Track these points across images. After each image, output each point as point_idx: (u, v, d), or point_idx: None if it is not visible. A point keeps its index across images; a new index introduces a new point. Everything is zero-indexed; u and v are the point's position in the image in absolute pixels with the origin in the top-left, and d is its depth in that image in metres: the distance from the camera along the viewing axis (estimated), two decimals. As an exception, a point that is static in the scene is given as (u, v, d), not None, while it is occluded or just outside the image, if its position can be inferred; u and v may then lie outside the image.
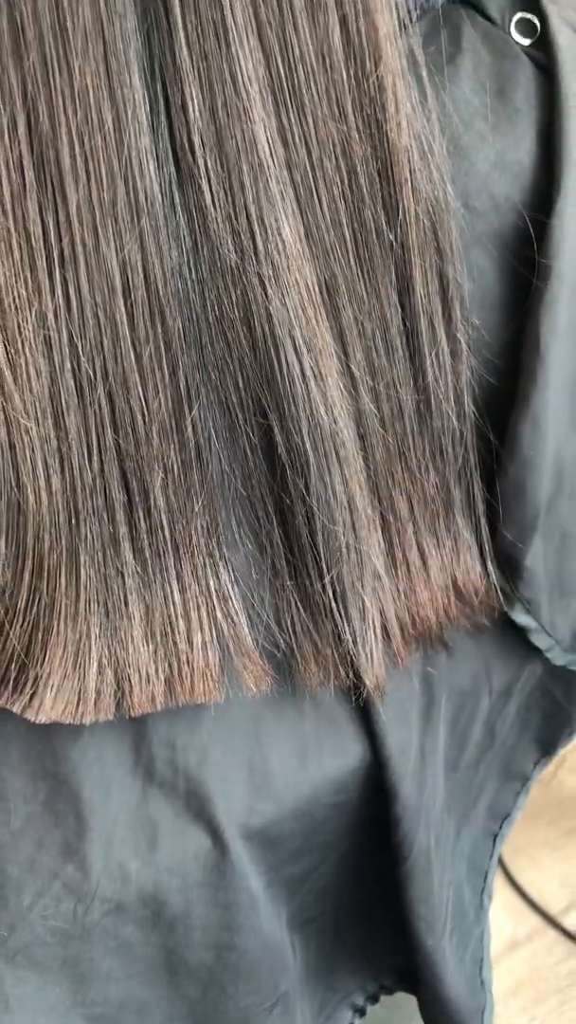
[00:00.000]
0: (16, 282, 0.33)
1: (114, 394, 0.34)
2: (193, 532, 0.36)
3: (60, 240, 0.32)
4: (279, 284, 0.33)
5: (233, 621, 0.38)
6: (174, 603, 0.37)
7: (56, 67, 0.31)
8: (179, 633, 0.37)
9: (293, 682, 0.40)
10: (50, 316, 0.33)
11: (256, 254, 0.33)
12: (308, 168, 0.33)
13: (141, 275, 0.33)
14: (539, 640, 0.45)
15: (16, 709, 0.36)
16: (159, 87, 0.32)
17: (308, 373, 0.35)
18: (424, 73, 0.34)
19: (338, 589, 0.38)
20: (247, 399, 0.35)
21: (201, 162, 0.32)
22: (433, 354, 0.37)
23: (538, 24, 0.38)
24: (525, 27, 0.38)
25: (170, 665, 0.37)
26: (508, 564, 0.42)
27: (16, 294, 0.33)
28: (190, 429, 0.35)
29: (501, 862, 1.41)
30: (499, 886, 1.42)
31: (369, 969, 0.56)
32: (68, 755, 0.39)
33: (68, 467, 0.35)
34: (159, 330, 0.34)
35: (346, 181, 0.34)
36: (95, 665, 0.37)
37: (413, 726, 0.44)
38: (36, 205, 0.32)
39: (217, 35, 0.31)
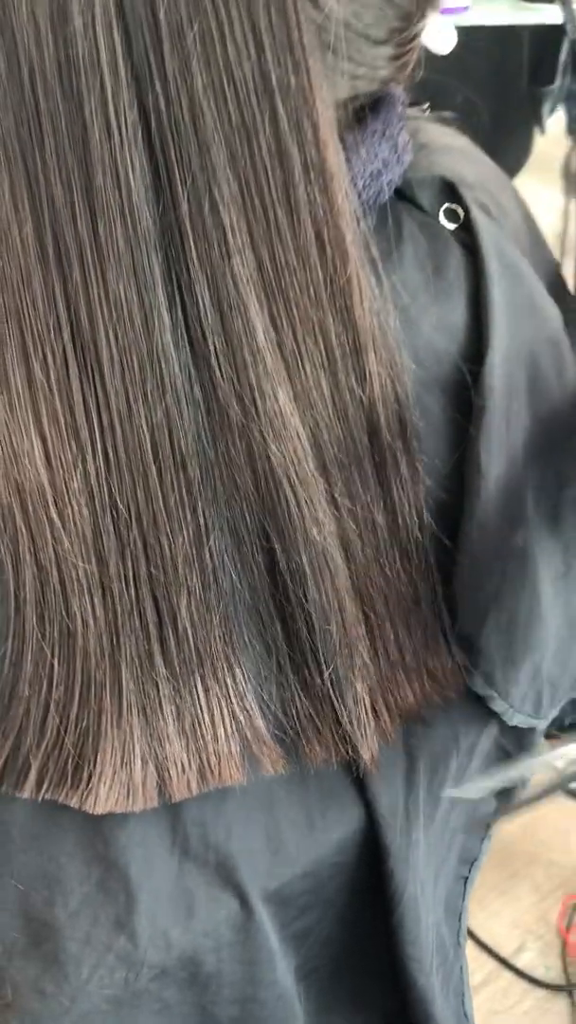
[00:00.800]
0: (63, 448, 0.40)
1: (146, 533, 0.41)
2: (213, 641, 0.44)
3: (99, 413, 0.40)
4: (276, 436, 0.41)
5: (249, 714, 0.45)
6: (200, 703, 0.44)
7: (95, 280, 0.38)
8: (206, 728, 0.44)
9: (300, 761, 0.47)
10: (92, 474, 0.41)
11: (257, 414, 0.41)
12: (294, 346, 0.41)
13: (167, 437, 0.40)
14: (497, 706, 0.53)
15: (74, 803, 0.43)
16: (176, 291, 0.39)
17: (302, 504, 0.43)
18: (378, 261, 0.43)
19: (334, 679, 0.46)
20: (253, 527, 0.43)
21: (211, 347, 0.40)
22: (397, 480, 0.46)
23: (461, 212, 0.47)
24: (451, 215, 0.48)
25: (200, 756, 0.44)
26: (468, 644, 0.50)
27: (63, 458, 0.40)
28: (208, 556, 0.43)
29: (454, 911, 1.46)
30: (454, 934, 1.47)
31: (362, 1013, 0.63)
32: (117, 840, 0.45)
33: (110, 596, 0.42)
34: (182, 479, 0.41)
35: (324, 354, 0.42)
36: (139, 761, 0.43)
37: (399, 789, 0.51)
38: (79, 385, 0.40)
39: (220, 250, 0.39)
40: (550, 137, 1.60)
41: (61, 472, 0.40)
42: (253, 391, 0.40)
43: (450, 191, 0.48)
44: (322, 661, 0.45)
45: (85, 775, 0.43)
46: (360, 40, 0.40)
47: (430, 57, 0.45)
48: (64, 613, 0.42)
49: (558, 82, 1.43)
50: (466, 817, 0.60)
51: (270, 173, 0.38)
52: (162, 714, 0.43)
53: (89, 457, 0.40)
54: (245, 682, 0.45)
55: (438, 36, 0.44)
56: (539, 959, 1.51)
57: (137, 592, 0.42)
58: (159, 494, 0.41)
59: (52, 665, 0.42)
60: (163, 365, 0.40)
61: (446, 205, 0.48)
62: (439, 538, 0.48)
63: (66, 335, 0.39)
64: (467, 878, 0.63)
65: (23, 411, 0.40)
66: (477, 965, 1.49)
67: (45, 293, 0.39)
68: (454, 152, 0.52)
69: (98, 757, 0.43)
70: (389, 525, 0.46)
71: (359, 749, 0.46)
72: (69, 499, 0.41)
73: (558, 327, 0.51)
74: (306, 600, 0.44)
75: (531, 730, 0.55)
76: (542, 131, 1.58)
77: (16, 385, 0.40)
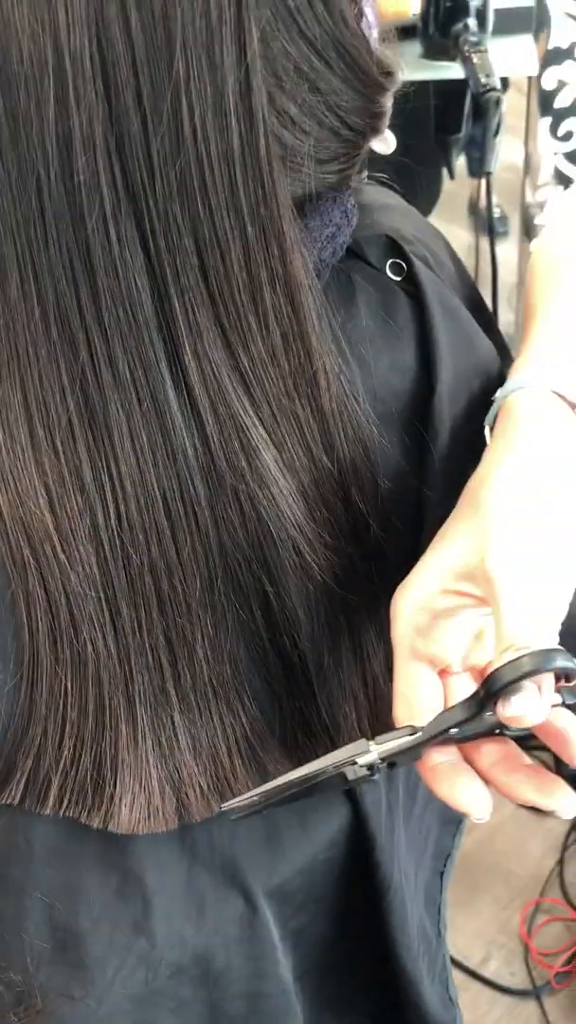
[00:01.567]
0: (68, 499, 0.43)
1: (160, 580, 0.45)
2: (224, 675, 0.48)
3: (109, 474, 0.43)
4: (264, 495, 0.46)
5: (261, 738, 0.49)
6: (216, 733, 0.48)
7: (102, 361, 0.42)
8: (222, 755, 0.48)
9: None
10: (101, 525, 0.44)
11: (246, 478, 0.45)
12: (275, 424, 0.46)
13: (179, 498, 0.45)
14: None
15: (96, 823, 0.46)
16: (178, 371, 0.44)
17: (290, 551, 0.47)
18: (336, 317, 0.48)
19: (326, 703, 0.50)
20: (250, 574, 0.47)
21: (206, 420, 0.44)
22: (369, 534, 0.50)
23: (405, 266, 0.53)
24: (396, 268, 0.54)
25: (218, 779, 0.48)
26: None
27: (69, 507, 0.44)
28: (218, 598, 0.46)
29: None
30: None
31: (349, 1015, 0.67)
32: (132, 848, 0.49)
33: (122, 636, 0.45)
34: (195, 532, 0.45)
35: (296, 431, 0.47)
36: (157, 786, 0.47)
37: (381, 787, 0.56)
38: (86, 449, 0.43)
39: (206, 343, 0.43)
40: (455, 178, 1.71)
41: (66, 520, 0.44)
42: (243, 460, 0.45)
43: (394, 247, 0.54)
44: (316, 691, 0.50)
45: (106, 794, 0.46)
46: (313, 163, 0.46)
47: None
48: (75, 640, 0.45)
49: (464, 131, 1.52)
50: (439, 813, 0.66)
51: (239, 285, 0.43)
52: (178, 744, 0.47)
53: (98, 509, 0.44)
54: (255, 710, 0.49)
55: (379, 140, 0.50)
56: (504, 967, 1.56)
57: (150, 632, 0.46)
58: (172, 546, 0.45)
59: (67, 688, 0.46)
60: (172, 436, 0.44)
61: (391, 260, 0.54)
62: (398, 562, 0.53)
63: (71, 405, 0.43)
64: (443, 872, 0.68)
65: (26, 461, 0.44)
66: (446, 978, 1.52)
67: (49, 367, 0.43)
68: (391, 210, 0.58)
69: (116, 778, 0.46)
70: (367, 571, 0.51)
71: None
72: (76, 544, 0.44)
73: (489, 359, 0.58)
74: (299, 638, 0.49)
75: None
76: (452, 176, 1.68)
77: (20, 439, 0.44)
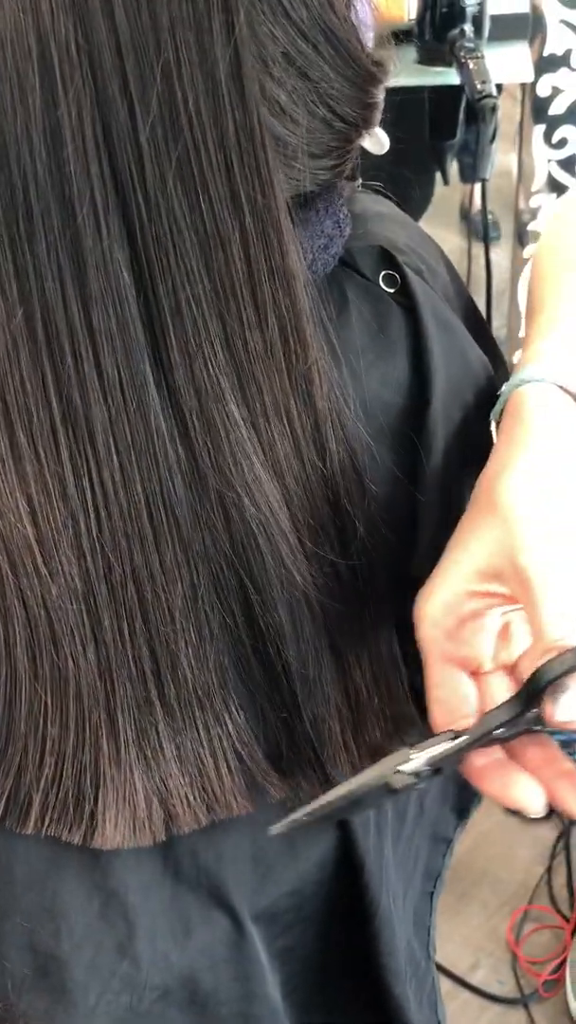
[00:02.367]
0: (51, 509, 0.42)
1: (143, 588, 0.44)
2: (209, 684, 0.46)
3: (91, 481, 0.42)
4: (251, 502, 0.45)
5: (248, 748, 0.48)
6: (202, 742, 0.47)
7: (86, 361, 0.41)
8: (208, 765, 0.47)
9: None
10: (83, 533, 0.43)
11: (233, 484, 0.44)
12: (265, 424, 0.45)
13: (161, 503, 0.43)
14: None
15: (78, 840, 0.46)
16: (160, 371, 0.42)
17: (275, 558, 0.46)
18: (330, 329, 0.48)
19: (311, 717, 0.49)
20: (234, 582, 0.46)
21: (191, 422, 0.43)
22: (356, 541, 0.49)
23: (398, 277, 0.53)
24: (389, 280, 0.53)
25: (206, 791, 0.47)
26: (417, 694, 0.54)
27: (51, 518, 0.43)
28: (201, 605, 0.45)
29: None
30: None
31: None
32: (113, 869, 0.48)
33: (103, 647, 0.44)
34: (177, 538, 0.44)
35: (289, 432, 0.46)
36: (142, 798, 0.46)
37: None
38: (68, 455, 0.42)
39: (195, 340, 0.42)
40: (447, 183, 1.70)
41: (49, 531, 0.43)
42: (230, 464, 0.44)
43: (387, 258, 0.53)
44: (300, 702, 0.49)
45: (87, 811, 0.45)
46: (306, 157, 0.45)
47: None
48: (55, 655, 0.44)
49: (459, 137, 1.52)
50: (429, 833, 0.65)
51: (239, 277, 0.42)
52: (163, 755, 0.46)
53: (80, 518, 0.43)
54: (241, 719, 0.48)
55: (372, 139, 0.49)
56: (492, 975, 1.55)
57: (132, 643, 0.45)
58: (155, 553, 0.44)
59: (47, 704, 0.44)
60: (156, 439, 0.43)
61: (384, 272, 0.53)
62: (402, 591, 0.52)
63: (55, 409, 0.42)
64: (432, 892, 0.67)
65: (7, 472, 0.42)
66: (433, 987, 1.51)
67: (32, 372, 0.41)
68: (385, 219, 0.57)
69: (99, 793, 0.45)
70: (352, 582, 0.50)
71: (332, 779, 0.50)
72: (58, 555, 0.43)
73: (481, 370, 0.57)
74: (284, 646, 0.47)
75: None
76: (446, 181, 1.67)
77: (0, 448, 0.43)
